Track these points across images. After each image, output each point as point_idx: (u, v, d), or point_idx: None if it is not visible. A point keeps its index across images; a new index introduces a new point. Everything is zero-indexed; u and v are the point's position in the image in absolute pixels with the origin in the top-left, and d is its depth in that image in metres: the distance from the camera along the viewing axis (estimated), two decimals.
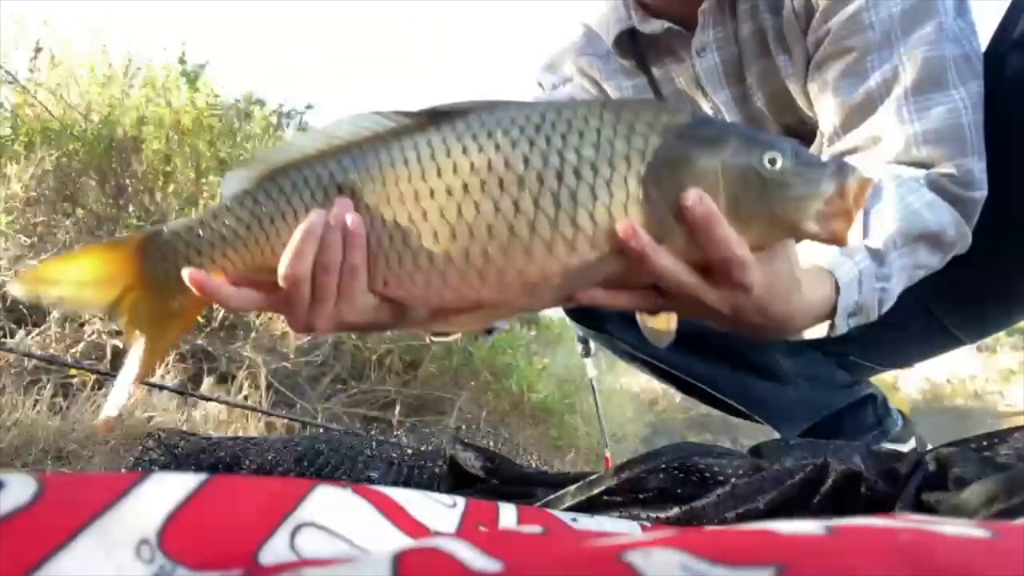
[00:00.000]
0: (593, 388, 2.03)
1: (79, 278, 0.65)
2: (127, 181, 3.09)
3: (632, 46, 0.98)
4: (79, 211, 3.03)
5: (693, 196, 0.51)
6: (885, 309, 0.75)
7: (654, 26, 0.93)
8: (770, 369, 1.15)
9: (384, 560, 0.25)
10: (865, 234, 0.75)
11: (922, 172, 0.79)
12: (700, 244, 0.53)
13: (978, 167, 0.79)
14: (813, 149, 0.95)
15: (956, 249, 0.81)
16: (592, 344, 1.96)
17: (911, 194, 0.77)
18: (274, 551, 0.32)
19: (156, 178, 3.14)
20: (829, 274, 0.69)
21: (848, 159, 0.84)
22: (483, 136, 0.55)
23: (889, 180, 0.78)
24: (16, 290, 0.65)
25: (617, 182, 0.53)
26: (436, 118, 0.58)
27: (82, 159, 2.91)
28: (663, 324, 0.60)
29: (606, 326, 1.18)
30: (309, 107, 3.92)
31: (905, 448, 1.17)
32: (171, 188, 3.15)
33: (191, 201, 3.04)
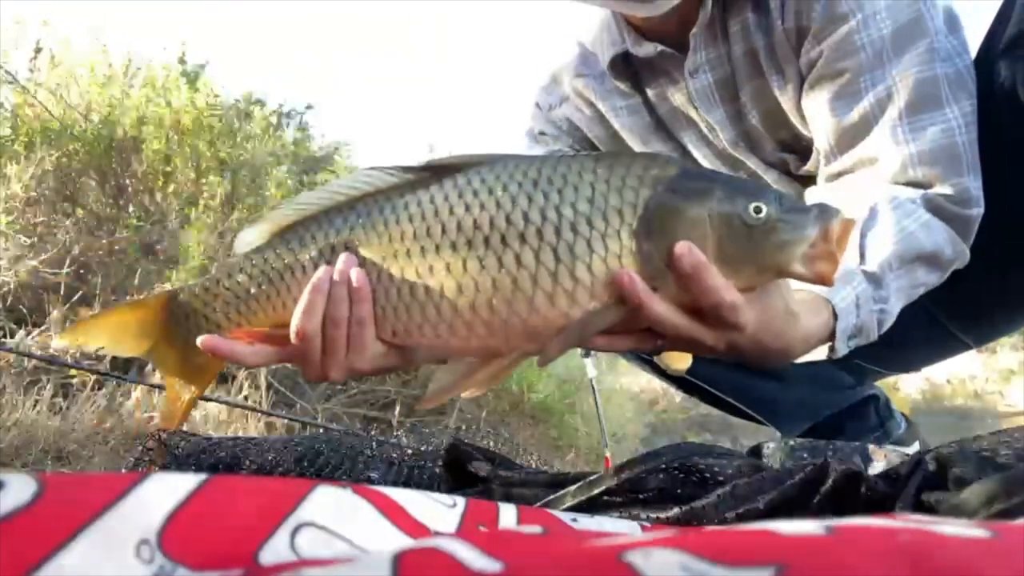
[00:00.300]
0: (593, 388, 2.03)
1: (113, 335, 0.72)
2: (127, 181, 3.09)
3: (626, 67, 1.00)
4: (79, 211, 3.03)
5: (682, 247, 0.54)
6: (885, 329, 0.76)
7: (647, 49, 0.94)
8: (772, 369, 1.16)
9: (384, 560, 0.25)
10: (862, 258, 0.76)
11: (919, 192, 0.80)
12: (691, 292, 0.55)
13: (974, 185, 0.80)
14: (810, 166, 0.96)
15: (955, 266, 0.83)
16: None
17: (907, 217, 0.78)
18: (274, 551, 0.32)
19: (156, 178, 3.14)
20: (826, 301, 0.70)
21: (844, 179, 0.86)
22: (484, 192, 0.58)
23: (885, 203, 0.79)
24: (59, 345, 0.76)
25: (611, 235, 0.56)
26: (435, 172, 0.61)
27: (82, 159, 2.91)
28: (678, 359, 0.65)
29: None
30: (309, 107, 3.93)
31: (908, 451, 1.16)
32: (171, 188, 3.15)
33: (191, 201, 3.04)
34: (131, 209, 2.92)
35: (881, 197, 0.79)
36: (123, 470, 1.02)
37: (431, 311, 0.60)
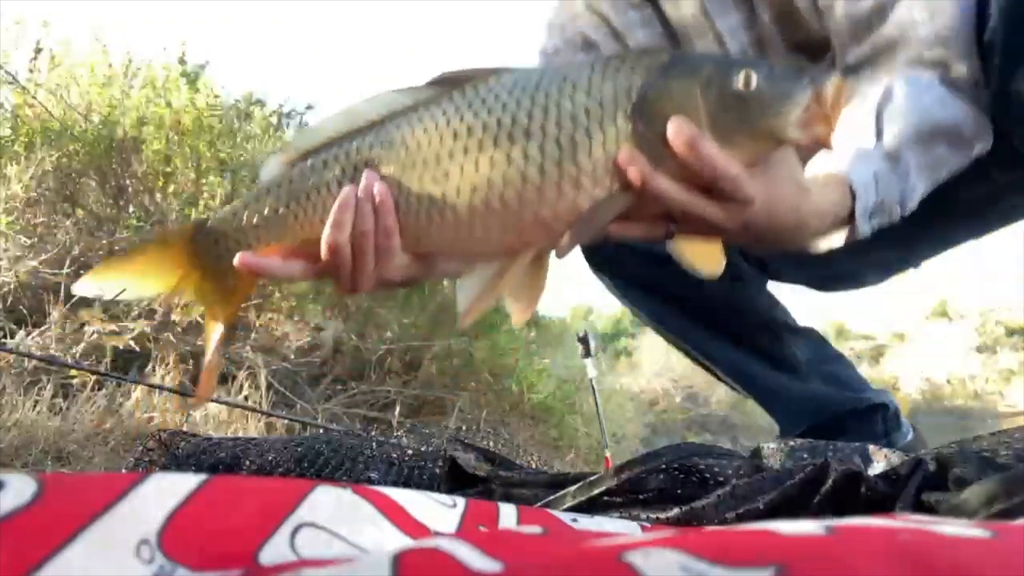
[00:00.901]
0: (593, 388, 2.03)
1: (138, 273, 0.73)
2: (127, 182, 3.09)
3: None
4: (79, 212, 3.03)
5: (675, 122, 0.55)
6: (909, 208, 0.75)
7: None
8: (786, 360, 1.16)
9: (384, 560, 0.25)
10: (878, 137, 0.76)
11: (936, 71, 0.80)
12: (691, 167, 0.56)
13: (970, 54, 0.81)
14: (827, 63, 0.95)
15: (979, 145, 0.81)
16: (592, 344, 1.96)
17: (923, 92, 0.78)
18: (274, 551, 0.32)
19: (156, 179, 3.14)
20: (842, 179, 0.70)
21: (863, 68, 0.85)
22: (491, 98, 0.62)
23: (900, 81, 0.79)
24: (80, 289, 0.73)
25: (608, 121, 0.59)
26: (445, 86, 0.65)
27: (82, 159, 2.91)
28: (704, 260, 0.64)
29: (636, 294, 1.18)
30: (309, 107, 3.93)
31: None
32: (171, 188, 3.15)
33: (191, 202, 3.04)
34: (131, 209, 2.92)
35: (898, 77, 0.80)
36: (123, 470, 1.02)
37: (449, 214, 0.63)
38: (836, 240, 0.73)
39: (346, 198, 0.64)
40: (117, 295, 0.74)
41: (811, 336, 1.21)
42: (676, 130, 0.55)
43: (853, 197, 0.70)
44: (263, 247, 0.69)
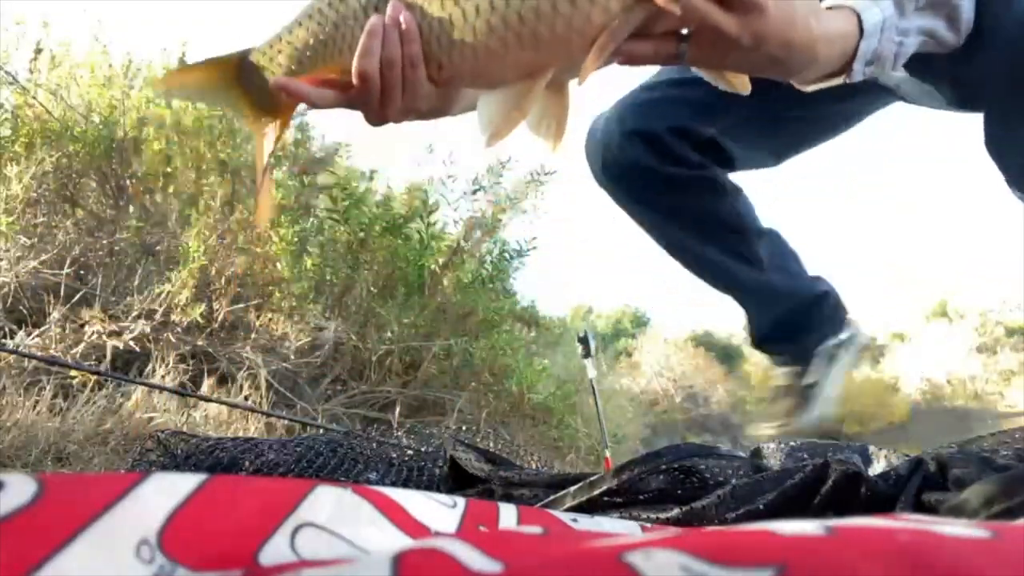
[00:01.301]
0: (593, 389, 2.03)
1: (201, 84, 0.83)
2: (127, 182, 3.09)
3: None
4: (79, 212, 3.03)
5: None
6: (899, 65, 0.77)
7: None
8: (753, 255, 1.28)
9: (384, 560, 0.25)
10: None
11: None
12: None
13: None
14: None
15: (961, 29, 0.82)
16: (592, 344, 1.96)
17: None
18: (274, 551, 0.32)
19: (156, 179, 3.14)
20: (854, 14, 0.71)
21: None
22: None
23: None
24: (157, 85, 0.83)
25: None
26: None
27: (82, 160, 2.91)
28: (731, 77, 0.68)
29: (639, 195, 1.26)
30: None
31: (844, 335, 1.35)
32: (171, 189, 3.15)
33: (191, 202, 3.04)
34: (131, 210, 2.93)
35: None
36: (123, 471, 1.02)
37: (469, 35, 0.66)
38: (830, 81, 0.74)
39: (374, 26, 0.67)
40: (183, 98, 0.82)
41: (772, 236, 1.33)
42: None
43: (859, 36, 0.71)
44: (295, 76, 0.74)
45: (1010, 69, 0.85)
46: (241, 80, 0.79)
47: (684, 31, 0.63)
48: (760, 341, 1.38)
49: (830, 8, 0.71)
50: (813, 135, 1.23)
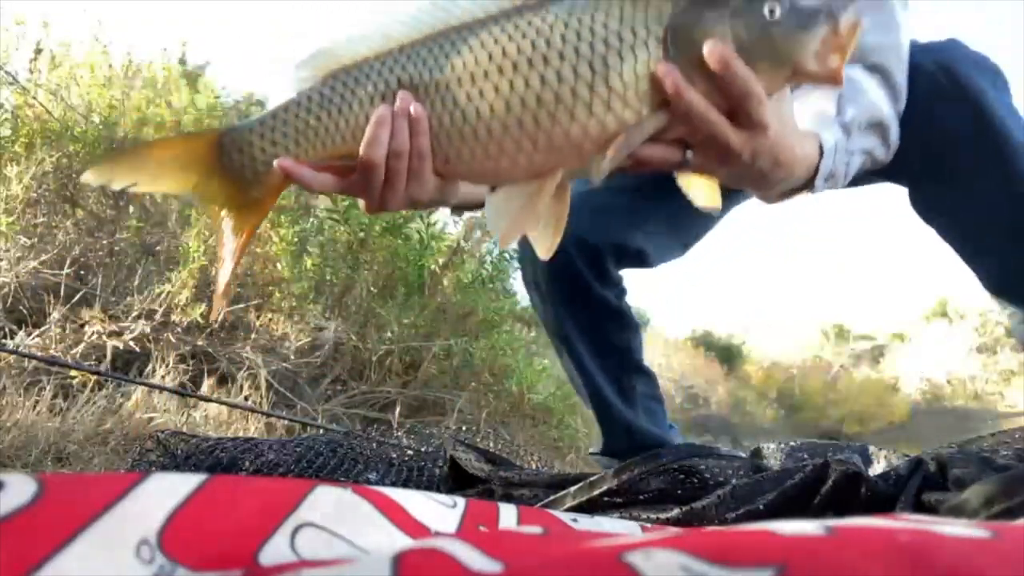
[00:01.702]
0: None
1: (156, 167, 0.71)
2: None
3: None
4: (79, 212, 3.03)
5: (711, 43, 0.60)
6: (846, 182, 0.85)
7: None
8: (630, 388, 1.38)
9: (384, 560, 0.25)
10: (837, 112, 0.84)
11: (876, 76, 0.89)
12: (721, 85, 0.61)
13: (904, 83, 0.91)
14: None
15: (891, 148, 0.91)
16: None
17: (871, 88, 0.87)
18: (274, 551, 0.32)
19: None
20: (816, 136, 0.78)
21: None
22: (523, 23, 0.66)
23: (855, 71, 0.87)
24: (91, 177, 0.70)
25: (639, 45, 0.62)
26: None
27: (82, 160, 2.91)
28: (706, 195, 0.70)
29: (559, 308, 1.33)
30: None
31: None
32: None
33: (191, 203, 3.04)
34: (131, 210, 2.93)
35: (852, 69, 0.88)
36: (123, 471, 1.02)
37: (482, 132, 0.66)
38: (795, 196, 0.80)
39: (383, 116, 0.66)
40: (128, 187, 0.71)
41: (650, 377, 1.44)
42: (712, 49, 0.59)
43: (819, 156, 0.77)
44: (290, 159, 0.69)
45: (921, 146, 0.93)
46: (220, 161, 0.72)
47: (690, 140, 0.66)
48: (604, 455, 1.46)
49: (799, 129, 0.76)
50: (714, 221, 1.34)
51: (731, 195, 1.24)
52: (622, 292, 1.33)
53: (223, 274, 0.75)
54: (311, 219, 3.23)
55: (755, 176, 0.69)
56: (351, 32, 0.72)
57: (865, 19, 0.85)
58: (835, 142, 0.79)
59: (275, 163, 0.68)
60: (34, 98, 2.95)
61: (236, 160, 0.71)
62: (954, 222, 1.03)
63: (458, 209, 0.90)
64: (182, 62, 3.52)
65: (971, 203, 0.98)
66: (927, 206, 1.03)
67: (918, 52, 0.95)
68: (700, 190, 0.70)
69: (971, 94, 0.93)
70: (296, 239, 2.82)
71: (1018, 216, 0.96)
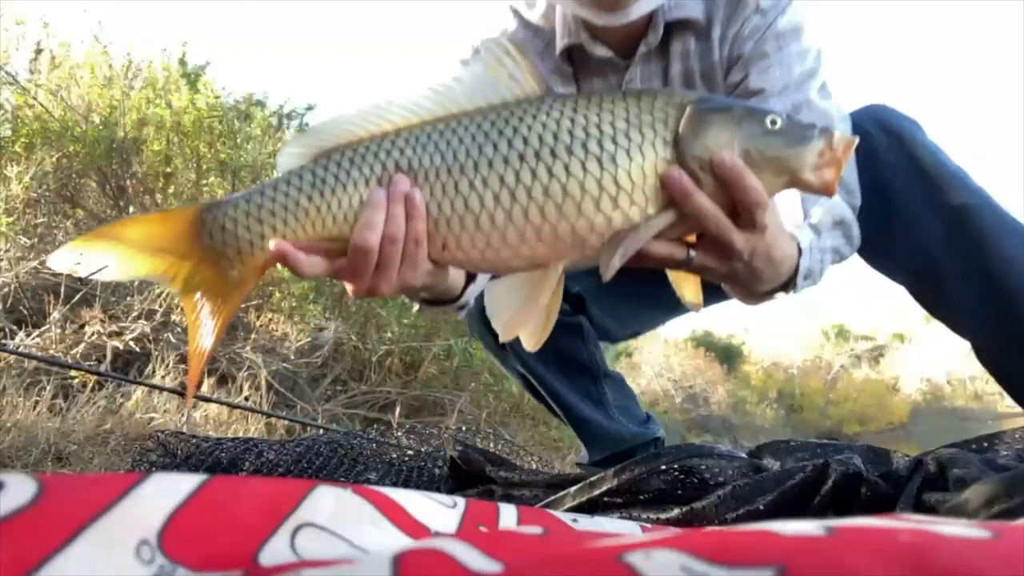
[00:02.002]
0: None
1: (129, 249, 0.66)
2: (127, 182, 3.09)
3: (570, 57, 1.11)
4: (79, 212, 3.03)
5: (727, 156, 0.62)
6: (822, 277, 0.90)
7: (600, 51, 1.06)
8: (602, 396, 1.41)
9: (384, 560, 0.25)
10: (805, 215, 0.90)
11: None
12: (731, 192, 0.63)
13: (857, 181, 1.01)
14: None
15: (854, 244, 1.00)
16: None
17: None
18: (274, 551, 0.32)
19: (156, 179, 3.14)
20: (794, 237, 0.81)
21: None
22: (529, 116, 0.65)
23: None
24: (56, 262, 0.65)
25: (647, 146, 0.63)
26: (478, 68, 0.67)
27: (82, 160, 2.91)
28: (692, 292, 0.73)
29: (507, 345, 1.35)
30: (310, 108, 3.92)
31: None
32: (171, 189, 3.15)
33: (191, 203, 3.04)
34: (131, 210, 2.93)
35: None
36: (123, 471, 1.02)
37: (485, 221, 0.64)
38: (779, 294, 0.84)
39: (378, 200, 0.64)
40: (95, 273, 0.65)
41: (617, 380, 1.47)
42: (727, 161, 0.62)
43: (798, 256, 0.82)
44: (277, 239, 0.66)
45: (871, 188, 1.03)
46: (201, 233, 0.67)
47: (693, 239, 0.67)
48: (591, 465, 1.48)
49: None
50: (658, 318, 1.45)
51: (711, 294, 1.31)
52: (571, 311, 1.34)
53: (196, 362, 0.70)
54: None
55: (748, 274, 0.72)
56: (346, 112, 0.69)
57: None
58: (809, 242, 0.84)
59: (271, 244, 0.65)
60: (34, 98, 2.95)
61: (218, 238, 0.67)
62: (907, 253, 1.10)
63: (428, 304, 0.88)
64: (182, 62, 3.51)
65: (918, 230, 1.08)
66: (881, 247, 1.10)
67: (858, 117, 1.08)
68: (688, 287, 0.72)
69: (906, 137, 1.07)
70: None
71: (956, 227, 1.06)
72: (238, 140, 3.23)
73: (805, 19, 1.04)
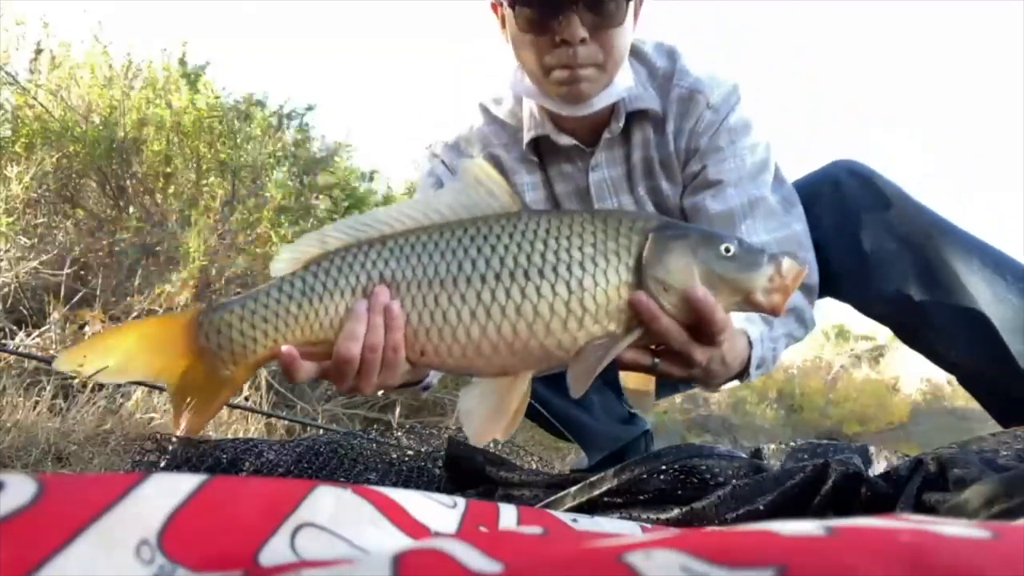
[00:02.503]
0: None
1: (129, 351, 0.72)
2: (127, 182, 3.09)
3: (536, 147, 1.19)
4: (79, 212, 3.03)
5: (700, 291, 0.68)
6: (776, 363, 1.00)
7: (565, 140, 1.14)
8: (587, 403, 1.47)
9: (384, 561, 0.25)
10: None
11: None
12: (700, 320, 0.69)
13: (814, 261, 1.11)
14: None
15: (808, 326, 1.09)
16: None
17: None
18: (274, 552, 0.32)
19: (156, 179, 3.14)
20: (744, 333, 0.90)
21: None
22: (505, 235, 0.71)
23: None
24: (61, 364, 0.71)
25: (611, 271, 0.69)
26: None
27: (82, 160, 2.91)
28: (643, 386, 0.79)
29: None
30: (310, 108, 3.92)
31: None
32: (171, 190, 3.15)
33: (191, 202, 3.04)
34: (131, 210, 2.92)
35: None
36: (123, 471, 1.02)
37: (461, 333, 0.69)
38: (732, 383, 0.91)
39: (359, 311, 0.70)
40: (94, 375, 0.71)
41: (598, 381, 1.48)
42: (698, 293, 0.68)
43: (749, 348, 0.89)
44: (269, 343, 0.72)
45: (839, 226, 1.14)
46: (197, 335, 0.73)
47: (655, 348, 0.73)
48: (591, 469, 1.54)
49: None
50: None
51: (666, 387, 1.46)
52: None
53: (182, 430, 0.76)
54: (311, 219, 3.23)
55: (705, 375, 0.79)
56: (338, 223, 0.75)
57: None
58: (760, 333, 0.92)
59: (283, 350, 0.71)
60: (34, 98, 2.95)
61: (213, 341, 0.73)
62: (881, 283, 1.17)
63: (402, 387, 0.93)
64: (182, 62, 3.51)
65: (889, 260, 1.16)
66: (855, 282, 1.19)
67: (829, 167, 1.23)
68: (632, 376, 0.78)
69: (874, 179, 1.19)
70: (295, 239, 2.82)
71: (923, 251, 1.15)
72: (238, 140, 3.22)
73: (752, 115, 1.15)
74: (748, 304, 0.71)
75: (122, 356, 0.71)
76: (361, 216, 0.75)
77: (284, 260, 0.75)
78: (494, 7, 1.09)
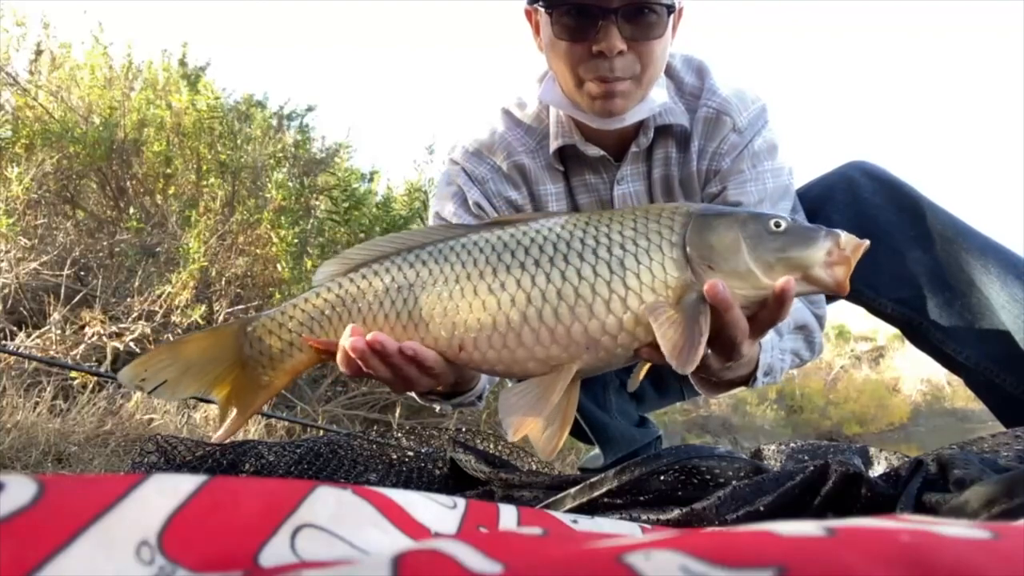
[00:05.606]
0: None
1: (186, 363, 0.76)
2: (128, 183, 3.10)
3: (562, 155, 1.17)
4: (80, 213, 3.03)
5: (784, 280, 0.65)
6: (782, 376, 0.98)
7: (593, 151, 1.12)
8: (607, 404, 1.50)
9: (384, 562, 0.25)
10: None
11: None
12: (770, 312, 0.67)
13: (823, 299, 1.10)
14: None
15: (815, 350, 1.09)
16: None
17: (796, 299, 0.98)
18: (274, 552, 0.32)
19: (156, 180, 3.14)
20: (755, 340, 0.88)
21: None
22: (544, 229, 0.70)
23: None
24: (124, 379, 0.75)
25: (654, 250, 0.67)
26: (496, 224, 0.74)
27: (83, 161, 2.91)
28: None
29: None
30: (310, 109, 3.92)
31: None
32: (171, 190, 3.15)
33: (191, 203, 3.04)
34: (131, 211, 2.92)
35: None
36: (123, 472, 1.02)
37: (501, 321, 0.68)
38: (739, 387, 0.90)
39: (348, 357, 0.72)
40: (153, 391, 0.75)
41: (617, 385, 1.55)
42: (783, 284, 0.65)
43: (758, 352, 0.88)
44: (305, 345, 0.75)
45: (857, 225, 1.08)
46: (242, 344, 0.78)
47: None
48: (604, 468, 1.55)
49: None
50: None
51: (666, 394, 1.53)
52: None
53: (224, 434, 0.81)
54: (311, 220, 3.23)
55: (728, 371, 0.78)
56: (390, 235, 0.78)
57: None
58: (770, 339, 0.89)
59: (344, 341, 0.72)
60: (34, 99, 2.95)
61: (255, 348, 0.77)
62: (892, 282, 1.17)
63: (455, 401, 0.94)
64: (182, 63, 3.51)
65: (902, 259, 1.16)
66: (867, 281, 1.16)
67: (844, 167, 1.23)
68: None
69: (888, 179, 1.20)
70: (296, 240, 2.82)
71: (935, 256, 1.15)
72: (238, 141, 3.22)
73: (779, 139, 1.12)
74: (808, 282, 0.67)
75: (178, 371, 0.76)
76: (415, 230, 0.77)
77: (328, 268, 0.78)
78: (528, 13, 1.07)
